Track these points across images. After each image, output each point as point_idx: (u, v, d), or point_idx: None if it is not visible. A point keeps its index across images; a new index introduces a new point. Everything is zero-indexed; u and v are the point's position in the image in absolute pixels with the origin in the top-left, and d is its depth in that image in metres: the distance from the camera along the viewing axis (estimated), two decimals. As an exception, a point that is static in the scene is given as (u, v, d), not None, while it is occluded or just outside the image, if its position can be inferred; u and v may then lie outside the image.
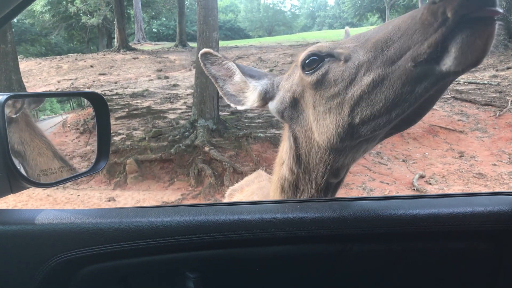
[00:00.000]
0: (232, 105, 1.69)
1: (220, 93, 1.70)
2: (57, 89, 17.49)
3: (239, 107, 1.68)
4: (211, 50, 1.68)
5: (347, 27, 1.97)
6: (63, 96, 2.04)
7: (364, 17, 75.13)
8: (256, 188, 2.48)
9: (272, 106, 1.59)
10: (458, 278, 1.36)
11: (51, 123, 2.01)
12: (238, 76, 1.67)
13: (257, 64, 20.64)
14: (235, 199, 2.86)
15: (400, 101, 1.15)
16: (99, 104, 1.46)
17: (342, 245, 1.27)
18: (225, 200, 3.11)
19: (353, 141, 1.33)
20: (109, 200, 7.40)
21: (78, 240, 1.22)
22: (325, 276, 1.32)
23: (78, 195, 7.65)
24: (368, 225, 1.24)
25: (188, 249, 1.25)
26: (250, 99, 1.66)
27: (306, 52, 1.41)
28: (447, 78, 1.10)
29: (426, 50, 1.05)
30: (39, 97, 1.71)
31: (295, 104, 1.51)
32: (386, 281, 1.36)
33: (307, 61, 1.38)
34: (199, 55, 1.68)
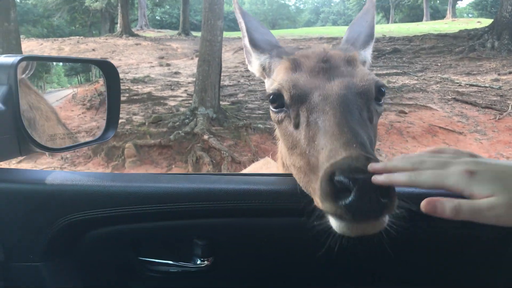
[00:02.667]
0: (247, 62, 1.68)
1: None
2: (58, 70, 17.42)
3: (248, 67, 1.66)
4: (236, 2, 1.67)
5: None
6: (75, 62, 2.02)
7: (368, 15, 74.99)
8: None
9: (267, 86, 1.51)
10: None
11: (58, 97, 2.01)
12: (246, 40, 1.62)
13: (259, 56, 20.58)
14: None
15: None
16: (111, 74, 1.46)
17: None
18: None
19: None
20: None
21: (88, 202, 1.23)
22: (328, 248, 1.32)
23: (38, 151, 7.64)
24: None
25: (198, 216, 1.26)
26: (253, 66, 1.64)
27: (273, 85, 1.29)
28: None
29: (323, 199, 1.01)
30: (52, 61, 1.71)
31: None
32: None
33: (271, 96, 1.28)
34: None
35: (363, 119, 1.15)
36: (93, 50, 23.10)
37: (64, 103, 2.04)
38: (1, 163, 1.26)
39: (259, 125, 9.02)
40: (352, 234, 0.98)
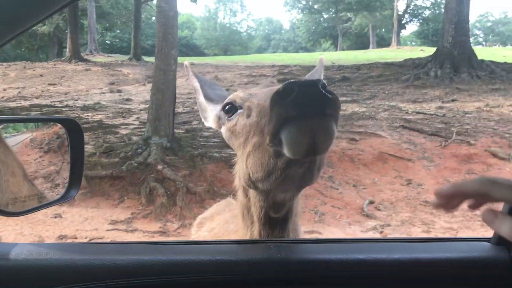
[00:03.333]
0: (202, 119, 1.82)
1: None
2: (2, 97, 16.73)
3: (205, 123, 1.79)
4: (187, 64, 1.88)
5: (322, 56, 2.19)
6: (39, 121, 1.96)
7: (317, 42, 77.40)
8: (230, 216, 2.43)
9: (223, 132, 1.62)
10: None
11: (14, 142, 1.93)
12: (201, 97, 1.78)
13: (212, 83, 20.65)
14: (206, 227, 2.78)
15: (272, 170, 1.22)
16: (75, 132, 1.42)
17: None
18: (194, 228, 3.01)
19: (264, 189, 1.35)
20: (55, 217, 7.10)
21: (55, 278, 1.17)
22: None
23: None
24: (355, 268, 1.26)
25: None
26: (209, 120, 1.76)
27: (227, 99, 1.49)
28: (298, 162, 1.18)
29: (267, 137, 1.14)
30: (18, 122, 1.64)
31: (231, 137, 1.52)
32: None
33: (226, 108, 1.48)
34: (185, 65, 1.86)
35: None
36: (41, 75, 22.39)
37: (20, 148, 1.96)
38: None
39: (214, 154, 8.98)
40: (303, 140, 1.04)
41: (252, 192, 1.48)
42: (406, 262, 1.28)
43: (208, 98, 1.76)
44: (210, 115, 1.74)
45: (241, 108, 1.42)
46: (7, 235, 6.25)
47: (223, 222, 2.47)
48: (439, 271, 1.30)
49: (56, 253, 1.20)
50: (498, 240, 1.34)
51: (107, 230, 6.79)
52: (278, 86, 1.17)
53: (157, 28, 9.44)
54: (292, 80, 1.04)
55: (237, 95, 1.47)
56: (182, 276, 1.19)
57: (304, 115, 1.02)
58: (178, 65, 9.32)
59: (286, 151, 1.08)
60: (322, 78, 1.86)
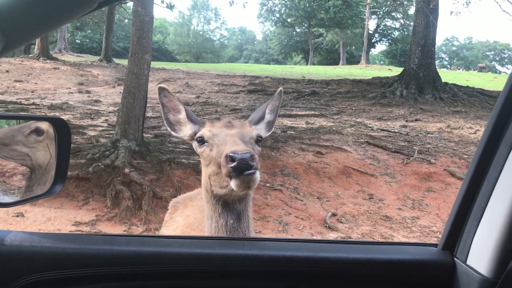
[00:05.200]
0: (168, 128, 2.31)
1: (163, 117, 2.28)
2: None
3: (172, 133, 2.31)
4: (167, 88, 2.29)
5: (281, 88, 2.45)
6: (28, 119, 2.02)
7: (289, 55, 78.26)
8: (202, 205, 2.78)
9: (194, 145, 2.24)
10: None
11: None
12: (183, 115, 2.28)
13: (184, 89, 20.67)
14: (179, 212, 3.09)
15: (224, 187, 1.96)
16: (62, 131, 1.51)
17: (293, 282, 1.42)
18: (168, 212, 3.34)
19: (218, 194, 2.04)
20: (17, 216, 6.98)
21: (47, 263, 1.25)
22: None
23: (-18, 208, 7.13)
24: (315, 265, 1.41)
25: (153, 278, 1.33)
26: (184, 132, 2.29)
27: (200, 133, 2.13)
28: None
29: (225, 174, 1.79)
30: (7, 119, 1.71)
31: (200, 155, 2.18)
32: None
33: (198, 139, 2.13)
34: (158, 87, 2.27)
35: (251, 144, 2.04)
36: (7, 71, 21.84)
37: None
38: None
39: (183, 160, 9.02)
40: (242, 185, 1.75)
41: (211, 193, 2.09)
42: (363, 261, 1.44)
43: (190, 119, 2.28)
44: (188, 130, 2.26)
45: (207, 142, 2.07)
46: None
47: (197, 211, 2.84)
48: (392, 270, 1.47)
49: (48, 241, 1.29)
50: (444, 245, 1.52)
51: (70, 231, 6.72)
52: (232, 132, 2.03)
53: (131, 32, 9.46)
54: (233, 154, 1.73)
55: (205, 133, 2.10)
56: (165, 266, 1.30)
57: (240, 174, 1.73)
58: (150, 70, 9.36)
59: (233, 187, 1.79)
60: (279, 107, 2.40)
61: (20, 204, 1.55)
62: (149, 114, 13.65)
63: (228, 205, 2.03)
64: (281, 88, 2.32)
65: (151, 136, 11.11)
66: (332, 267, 1.43)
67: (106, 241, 1.34)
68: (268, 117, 2.35)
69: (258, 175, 1.75)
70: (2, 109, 12.75)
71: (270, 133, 2.36)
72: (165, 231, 3.05)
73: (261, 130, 2.30)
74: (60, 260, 1.26)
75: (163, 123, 12.86)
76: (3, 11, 0.71)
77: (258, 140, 2.14)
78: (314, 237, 7.02)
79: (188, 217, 2.90)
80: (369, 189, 9.31)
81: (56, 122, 1.51)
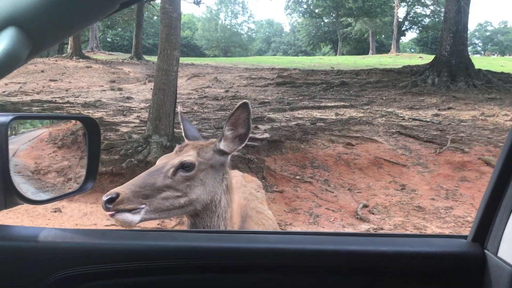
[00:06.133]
0: None
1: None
2: (3, 92, 16.84)
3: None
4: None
5: (245, 100, 2.24)
6: (61, 119, 2.11)
7: (317, 46, 77.51)
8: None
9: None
10: None
11: (30, 137, 2.07)
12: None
13: (212, 84, 20.81)
14: None
15: None
16: (93, 129, 1.57)
17: (319, 276, 1.44)
18: None
19: None
20: (55, 211, 7.22)
21: (79, 259, 1.31)
22: None
23: (23, 204, 7.39)
24: (341, 259, 1.42)
25: (182, 272, 1.37)
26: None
27: (188, 162, 2.10)
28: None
29: None
30: (39, 119, 1.78)
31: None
32: None
33: (185, 164, 2.08)
34: (178, 111, 2.72)
35: (168, 176, 2.04)
36: (42, 71, 22.51)
37: (36, 143, 2.11)
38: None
39: (212, 155, 9.11)
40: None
41: None
42: (390, 254, 1.42)
43: (186, 136, 2.51)
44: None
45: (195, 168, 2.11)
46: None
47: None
48: (420, 263, 1.45)
49: (79, 237, 1.35)
50: (474, 237, 1.49)
51: (106, 225, 6.92)
52: None
53: (160, 29, 9.59)
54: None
55: (191, 159, 2.13)
56: (194, 260, 1.34)
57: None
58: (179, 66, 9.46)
59: None
60: (249, 119, 2.19)
61: (54, 201, 1.61)
62: (179, 109, 13.80)
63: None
64: (245, 100, 2.16)
65: (182, 131, 11.24)
66: (358, 260, 1.43)
67: (136, 236, 1.39)
68: (228, 133, 2.23)
69: (120, 216, 1.78)
70: (38, 108, 13.16)
71: (241, 146, 2.23)
72: None
73: (227, 145, 2.22)
74: (91, 255, 1.32)
75: (192, 118, 13.06)
76: (30, 15, 0.75)
77: (183, 166, 2.09)
78: (342, 230, 6.99)
79: None
80: (401, 179, 9.18)
81: (86, 121, 1.57)
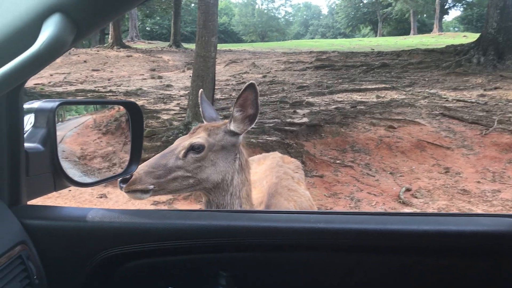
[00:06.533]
0: None
1: None
2: (49, 82, 17.45)
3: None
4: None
5: (252, 81, 2.29)
6: (105, 104, 2.19)
7: (356, 28, 75.98)
8: (266, 168, 3.12)
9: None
10: None
11: (76, 123, 2.14)
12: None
13: (250, 70, 20.80)
14: (253, 168, 3.18)
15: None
16: (135, 113, 1.61)
17: (361, 256, 1.43)
18: None
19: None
20: (101, 197, 7.47)
21: (125, 238, 1.36)
22: (342, 284, 1.48)
23: (70, 190, 7.68)
24: (384, 238, 1.40)
25: (223, 250, 1.40)
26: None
27: (198, 144, 2.14)
28: None
29: None
30: (84, 104, 1.84)
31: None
32: None
33: (195, 146, 2.12)
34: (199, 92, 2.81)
35: (179, 157, 2.09)
36: (85, 61, 23.17)
37: (81, 129, 2.18)
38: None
39: (251, 140, 9.15)
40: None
41: None
42: (433, 233, 1.39)
43: (204, 117, 2.58)
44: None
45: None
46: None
47: (263, 170, 3.11)
48: (465, 242, 1.42)
49: (126, 217, 1.39)
50: None
51: (150, 210, 7.12)
52: None
53: (197, 15, 9.65)
54: None
55: (203, 140, 2.17)
56: (234, 239, 1.36)
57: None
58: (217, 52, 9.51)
59: None
60: (257, 99, 2.21)
61: (100, 183, 1.68)
62: (217, 96, 13.92)
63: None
64: (252, 81, 2.19)
65: (221, 117, 11.30)
66: (401, 239, 1.40)
67: (179, 216, 1.42)
68: (237, 115, 2.27)
69: (132, 194, 1.92)
70: (82, 97, 13.59)
71: (251, 127, 2.27)
72: None
73: (237, 126, 2.26)
74: (136, 234, 1.36)
75: (231, 104, 13.11)
76: (74, 1, 0.77)
77: (193, 148, 2.14)
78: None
79: (256, 174, 3.01)
80: (445, 162, 8.94)
81: (129, 106, 1.61)
